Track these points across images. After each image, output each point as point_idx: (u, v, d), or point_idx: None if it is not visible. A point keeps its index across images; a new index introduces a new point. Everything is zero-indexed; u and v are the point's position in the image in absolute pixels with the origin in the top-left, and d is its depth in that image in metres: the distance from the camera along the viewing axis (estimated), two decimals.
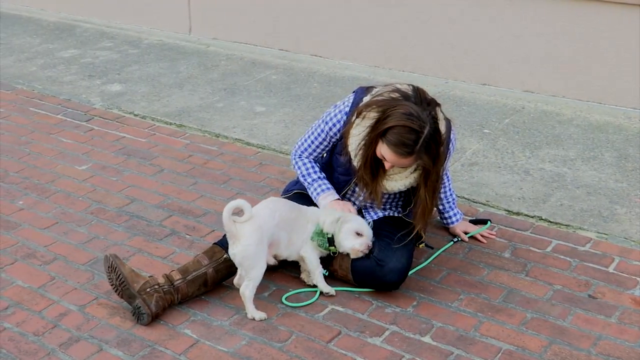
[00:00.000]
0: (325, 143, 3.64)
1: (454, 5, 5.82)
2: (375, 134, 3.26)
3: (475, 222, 4.04)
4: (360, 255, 3.49)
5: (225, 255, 3.50)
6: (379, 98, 3.30)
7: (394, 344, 3.22)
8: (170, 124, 5.44)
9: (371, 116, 3.29)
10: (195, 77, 6.33)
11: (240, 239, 3.32)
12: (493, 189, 4.42)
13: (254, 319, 3.37)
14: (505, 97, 5.70)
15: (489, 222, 4.02)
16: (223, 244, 3.53)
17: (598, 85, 5.42)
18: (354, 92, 3.53)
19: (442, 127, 3.29)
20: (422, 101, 3.25)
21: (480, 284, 3.60)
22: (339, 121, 3.52)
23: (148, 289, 3.34)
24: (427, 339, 3.25)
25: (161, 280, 3.41)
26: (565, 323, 3.32)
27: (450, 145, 3.49)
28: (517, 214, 4.17)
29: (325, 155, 3.74)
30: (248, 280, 3.36)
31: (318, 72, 6.32)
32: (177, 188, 4.53)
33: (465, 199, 4.32)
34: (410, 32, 6.07)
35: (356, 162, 3.44)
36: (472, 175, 4.57)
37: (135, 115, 5.61)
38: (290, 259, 3.57)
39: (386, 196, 3.64)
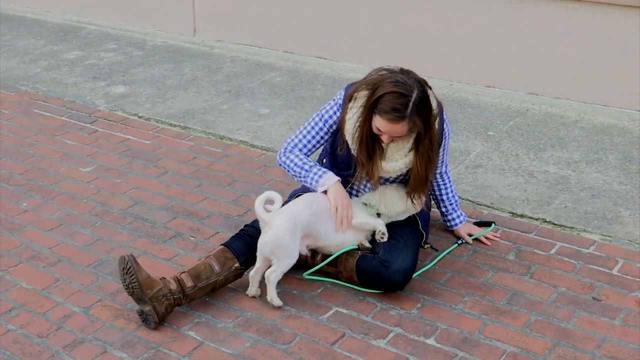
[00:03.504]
0: (318, 138, 3.62)
1: (459, 8, 5.82)
2: (368, 108, 3.32)
3: (479, 224, 4.03)
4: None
5: (236, 265, 3.50)
6: (368, 79, 3.39)
7: (399, 346, 3.22)
8: (175, 125, 5.45)
9: (362, 95, 3.36)
10: (199, 79, 6.33)
11: (273, 227, 3.35)
12: (497, 191, 4.41)
13: (271, 302, 3.42)
14: (510, 99, 5.70)
15: (493, 224, 4.02)
16: (234, 249, 3.53)
17: (602, 87, 5.41)
18: (344, 88, 3.58)
19: (433, 102, 3.36)
20: (409, 74, 3.34)
21: (485, 286, 3.60)
22: (335, 113, 3.56)
23: (160, 297, 3.32)
24: (431, 341, 3.25)
25: (173, 286, 3.36)
26: (570, 325, 3.32)
27: (445, 125, 3.55)
28: (522, 216, 4.16)
29: (325, 160, 3.74)
30: (277, 267, 3.39)
31: (322, 74, 6.32)
32: (181, 190, 4.53)
33: (470, 201, 4.32)
34: (415, 34, 6.07)
35: (353, 144, 3.46)
36: (476, 178, 4.57)
37: (140, 117, 5.62)
38: (324, 250, 3.58)
39: (389, 181, 3.64)
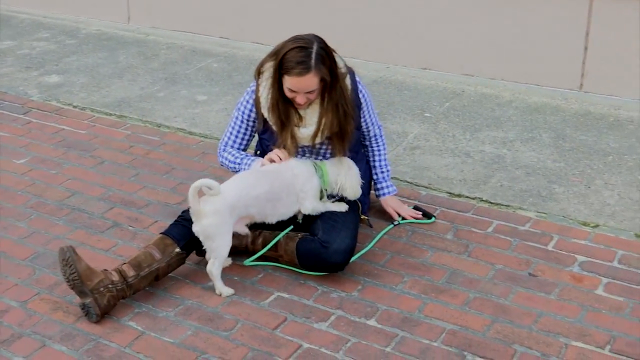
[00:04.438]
0: (242, 131, 3.72)
1: None
2: (275, 72, 3.41)
3: (423, 213, 3.97)
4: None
5: (177, 250, 3.49)
6: (270, 51, 3.50)
7: (340, 329, 3.24)
8: (111, 114, 5.37)
9: (268, 66, 3.47)
10: (135, 67, 6.25)
11: (202, 218, 3.35)
12: (435, 172, 4.46)
13: (222, 295, 3.44)
14: (446, 81, 5.76)
15: (433, 217, 3.97)
16: (173, 235, 3.51)
17: (536, 67, 5.50)
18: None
19: (339, 61, 3.46)
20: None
21: (424, 265, 3.64)
22: (248, 102, 3.63)
23: (101, 288, 3.27)
24: (372, 322, 3.28)
25: (115, 277, 3.32)
26: (507, 301, 3.38)
27: (358, 85, 3.62)
28: (459, 196, 4.22)
29: (259, 152, 3.78)
30: (214, 259, 3.41)
31: (259, 60, 6.26)
32: (118, 179, 4.48)
33: (408, 182, 4.35)
34: (350, 17, 6.08)
35: (269, 116, 3.52)
36: (414, 159, 4.61)
37: (75, 106, 5.53)
38: (272, 221, 3.58)
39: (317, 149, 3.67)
